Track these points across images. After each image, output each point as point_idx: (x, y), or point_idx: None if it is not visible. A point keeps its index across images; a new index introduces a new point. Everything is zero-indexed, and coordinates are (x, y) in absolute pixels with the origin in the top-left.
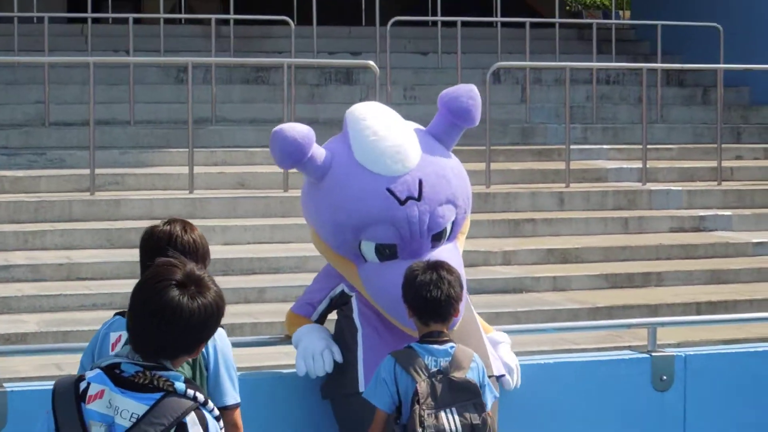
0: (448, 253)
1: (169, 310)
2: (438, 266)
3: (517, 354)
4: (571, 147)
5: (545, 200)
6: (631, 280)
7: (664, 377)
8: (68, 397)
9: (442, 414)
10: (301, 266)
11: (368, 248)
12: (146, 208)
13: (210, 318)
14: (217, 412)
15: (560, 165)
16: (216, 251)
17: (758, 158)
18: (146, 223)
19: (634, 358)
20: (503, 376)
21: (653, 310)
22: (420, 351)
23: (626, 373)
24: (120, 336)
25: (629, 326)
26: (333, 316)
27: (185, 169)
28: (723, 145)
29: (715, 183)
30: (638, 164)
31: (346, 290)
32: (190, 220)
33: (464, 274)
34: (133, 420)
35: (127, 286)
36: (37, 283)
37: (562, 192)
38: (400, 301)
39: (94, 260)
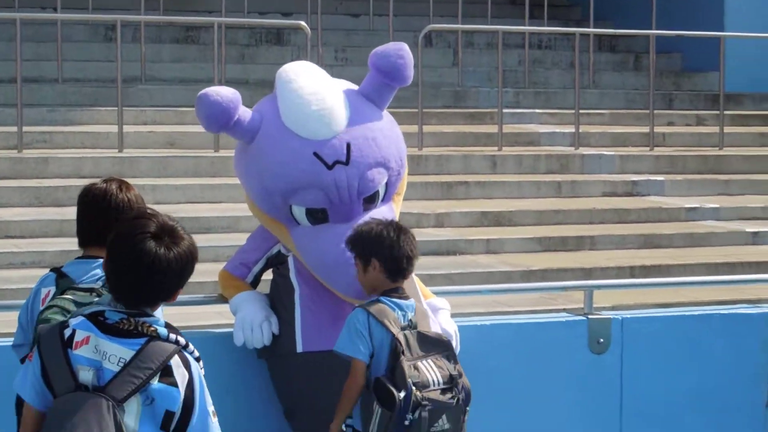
0: (383, 214)
1: (147, 262)
2: (406, 229)
3: (453, 316)
4: (504, 111)
5: (478, 163)
6: (565, 244)
7: (601, 340)
8: (54, 343)
9: (420, 365)
10: (232, 226)
11: (299, 212)
12: (75, 166)
13: (186, 266)
14: (197, 353)
15: (493, 128)
16: None
17: (690, 124)
18: (75, 182)
19: (570, 321)
20: None
21: (587, 273)
22: (389, 304)
23: (563, 336)
24: (49, 291)
25: (565, 288)
26: (268, 275)
27: (114, 128)
28: (655, 111)
29: (648, 148)
30: (570, 129)
31: (283, 250)
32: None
33: None
34: (121, 364)
35: (56, 244)
36: None
37: (494, 155)
38: (333, 267)
39: (21, 218)
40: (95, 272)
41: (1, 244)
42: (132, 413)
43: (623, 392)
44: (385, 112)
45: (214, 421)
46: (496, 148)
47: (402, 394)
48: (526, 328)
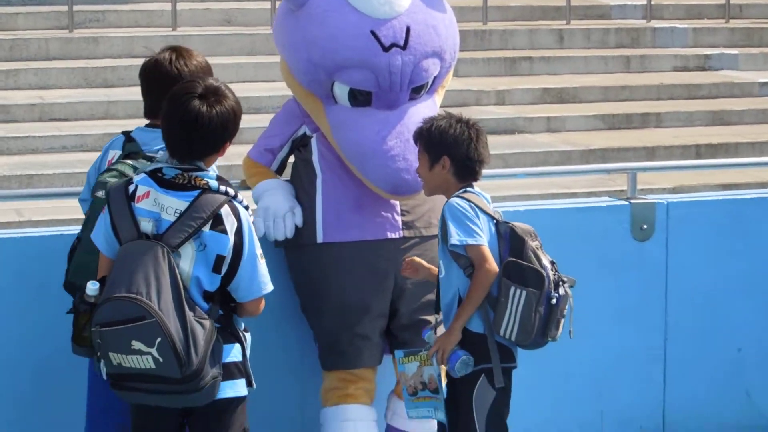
0: (426, 108)
1: (192, 119)
2: (474, 126)
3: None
4: None
5: (544, 38)
6: (629, 121)
7: (645, 226)
8: (120, 198)
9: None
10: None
11: (341, 91)
12: (126, 46)
13: (228, 122)
14: (246, 202)
15: (562, 1)
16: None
17: None
18: (125, 62)
19: (612, 206)
20: None
21: (650, 152)
22: (481, 195)
23: (604, 221)
24: (115, 154)
25: (608, 171)
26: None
27: (170, 5)
28: None
29: (723, 21)
30: (643, 1)
31: (308, 131)
32: None
33: None
34: (177, 215)
35: (100, 126)
36: (7, 125)
37: (562, 29)
38: (370, 155)
39: (67, 100)
40: (160, 141)
41: (44, 128)
42: (187, 258)
43: (668, 281)
44: (444, 1)
45: (262, 262)
46: (564, 22)
47: (544, 272)
48: (565, 214)
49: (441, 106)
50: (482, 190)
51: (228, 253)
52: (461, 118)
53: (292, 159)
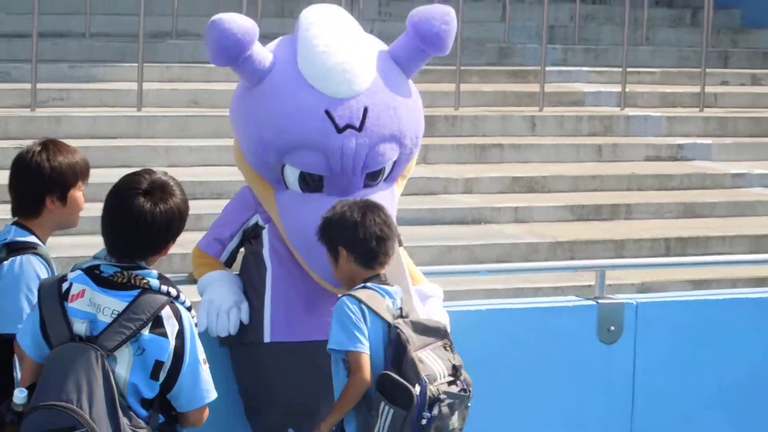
0: (383, 196)
1: (135, 217)
2: (373, 206)
3: (450, 299)
4: (550, 69)
5: (516, 124)
6: (599, 213)
7: (612, 327)
8: (52, 296)
9: (423, 356)
10: None
11: (292, 174)
12: (90, 127)
13: (173, 222)
14: (189, 303)
15: (535, 87)
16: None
17: (745, 84)
18: (88, 143)
19: (578, 306)
20: None
21: (619, 245)
22: (379, 291)
23: (570, 323)
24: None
25: (575, 269)
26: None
27: (135, 85)
28: (708, 70)
29: (698, 109)
30: (618, 88)
31: (260, 221)
32: (136, 140)
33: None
34: (114, 316)
35: None
36: None
37: (534, 116)
38: (314, 243)
39: None
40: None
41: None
42: (123, 363)
43: (635, 388)
44: (411, 83)
45: (205, 368)
46: (536, 108)
47: (417, 389)
48: (528, 314)
49: (404, 195)
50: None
51: (168, 358)
52: (348, 201)
53: (243, 251)
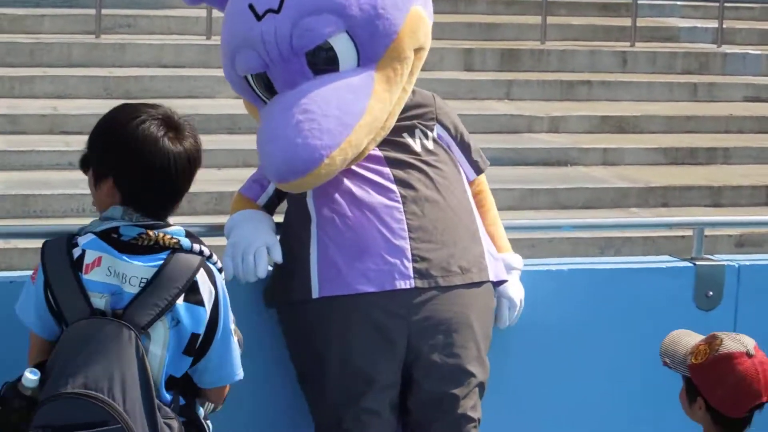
0: (348, 83)
1: (166, 163)
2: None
3: (533, 245)
4: (642, 2)
5: (606, 60)
6: (694, 156)
7: (711, 293)
8: (62, 265)
9: None
10: None
11: (253, 84)
12: (154, 54)
13: (197, 162)
14: (220, 263)
15: (626, 21)
16: (225, 105)
17: None
18: (150, 71)
19: (673, 267)
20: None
21: (716, 193)
22: None
23: (664, 286)
24: None
25: (669, 226)
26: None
27: (205, 12)
28: None
29: None
30: (714, 24)
31: None
32: (204, 69)
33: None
34: (142, 285)
35: None
36: (13, 137)
37: (625, 51)
38: (261, 143)
39: (81, 112)
40: None
41: (53, 141)
42: (159, 340)
43: None
44: None
45: (235, 341)
46: (628, 44)
47: None
48: (616, 276)
49: (485, 132)
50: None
51: (203, 330)
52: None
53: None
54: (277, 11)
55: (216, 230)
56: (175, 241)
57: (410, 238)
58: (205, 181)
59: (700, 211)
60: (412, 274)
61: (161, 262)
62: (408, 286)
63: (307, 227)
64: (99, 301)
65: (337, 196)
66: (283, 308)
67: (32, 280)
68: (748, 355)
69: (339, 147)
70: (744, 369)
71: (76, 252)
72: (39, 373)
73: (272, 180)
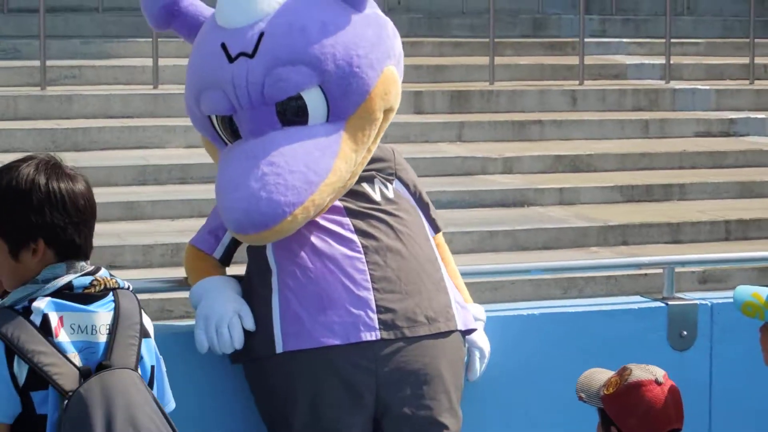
0: (315, 139)
1: (81, 203)
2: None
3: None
4: (588, 40)
5: (555, 99)
6: (650, 193)
7: (684, 332)
8: (29, 334)
9: None
10: None
11: (216, 124)
12: (101, 105)
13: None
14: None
15: (574, 60)
16: (174, 155)
17: None
18: (98, 123)
19: (645, 308)
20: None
21: (675, 229)
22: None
23: (635, 328)
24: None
25: (638, 266)
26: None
27: (151, 61)
28: (756, 40)
29: (747, 82)
30: (661, 60)
31: None
32: (153, 119)
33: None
34: (109, 331)
35: None
36: None
37: (574, 90)
38: (219, 191)
39: None
40: None
41: None
42: None
43: (712, 401)
44: (372, 14)
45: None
46: (576, 82)
47: None
48: (586, 319)
49: (439, 175)
50: None
51: (155, 361)
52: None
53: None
54: (251, 56)
55: (175, 284)
56: (114, 281)
57: (374, 288)
58: (159, 232)
59: (661, 248)
60: (377, 326)
61: (112, 304)
62: (374, 338)
63: (267, 280)
64: (75, 360)
65: (297, 247)
66: (248, 365)
67: None
68: (657, 383)
69: (302, 205)
70: (653, 396)
71: (36, 318)
72: None
73: (231, 230)
